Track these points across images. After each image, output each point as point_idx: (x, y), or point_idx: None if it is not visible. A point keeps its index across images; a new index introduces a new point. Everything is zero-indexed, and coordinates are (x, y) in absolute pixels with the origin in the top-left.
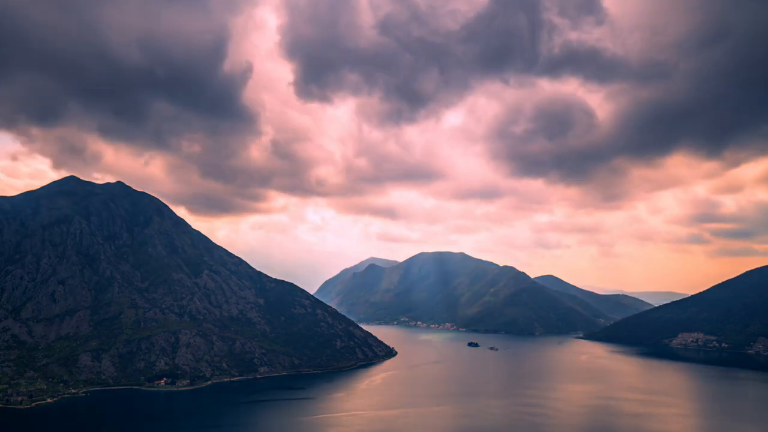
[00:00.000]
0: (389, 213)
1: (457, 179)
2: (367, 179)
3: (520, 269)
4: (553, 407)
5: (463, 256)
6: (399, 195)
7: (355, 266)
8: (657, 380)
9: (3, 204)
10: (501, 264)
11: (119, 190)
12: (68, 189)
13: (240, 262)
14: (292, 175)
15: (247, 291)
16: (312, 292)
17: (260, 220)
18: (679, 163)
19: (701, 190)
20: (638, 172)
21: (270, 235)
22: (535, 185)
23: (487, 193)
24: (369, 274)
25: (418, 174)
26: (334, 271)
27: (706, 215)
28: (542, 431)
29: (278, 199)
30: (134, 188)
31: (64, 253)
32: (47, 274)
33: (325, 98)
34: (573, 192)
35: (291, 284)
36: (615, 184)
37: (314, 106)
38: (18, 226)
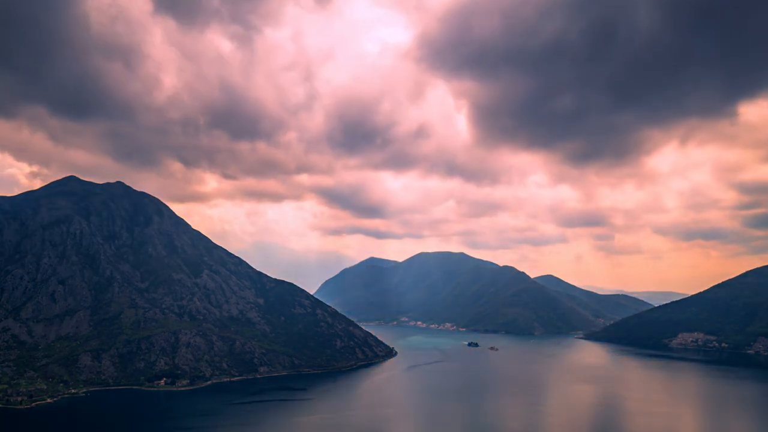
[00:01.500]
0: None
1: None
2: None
3: (520, 269)
4: (554, 406)
5: (463, 256)
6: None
7: (355, 266)
8: (657, 380)
9: (3, 204)
10: (500, 264)
11: (119, 190)
12: (68, 189)
13: (240, 262)
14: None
15: (247, 291)
16: (312, 292)
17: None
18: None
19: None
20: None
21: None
22: (532, 158)
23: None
24: (369, 274)
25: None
26: (334, 271)
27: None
28: (543, 430)
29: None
30: (134, 188)
31: (64, 253)
32: (47, 274)
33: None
34: (578, 171)
35: (291, 284)
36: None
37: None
38: (18, 226)
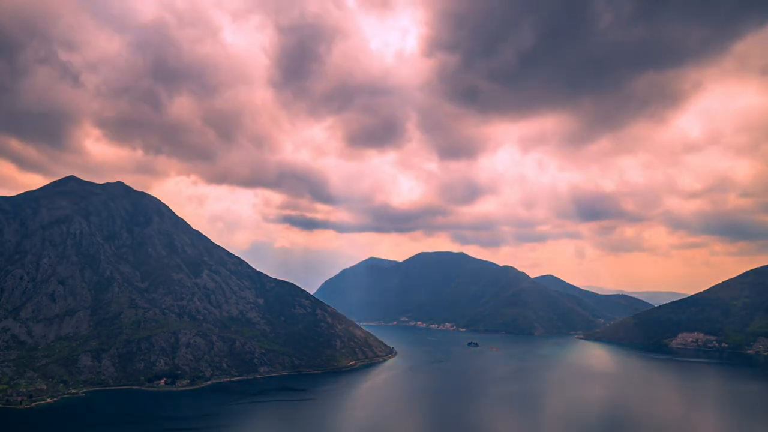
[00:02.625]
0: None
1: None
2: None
3: (520, 269)
4: (554, 406)
5: (463, 256)
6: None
7: (355, 266)
8: (657, 380)
9: (3, 204)
10: (500, 263)
11: (119, 190)
12: (68, 189)
13: (240, 262)
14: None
15: (247, 291)
16: (312, 292)
17: None
18: None
19: None
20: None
21: None
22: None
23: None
24: (369, 274)
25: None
26: (334, 271)
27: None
28: (545, 430)
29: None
30: (134, 188)
31: (64, 253)
32: (47, 274)
33: None
34: (580, 147)
35: (291, 284)
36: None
37: None
38: (18, 226)
